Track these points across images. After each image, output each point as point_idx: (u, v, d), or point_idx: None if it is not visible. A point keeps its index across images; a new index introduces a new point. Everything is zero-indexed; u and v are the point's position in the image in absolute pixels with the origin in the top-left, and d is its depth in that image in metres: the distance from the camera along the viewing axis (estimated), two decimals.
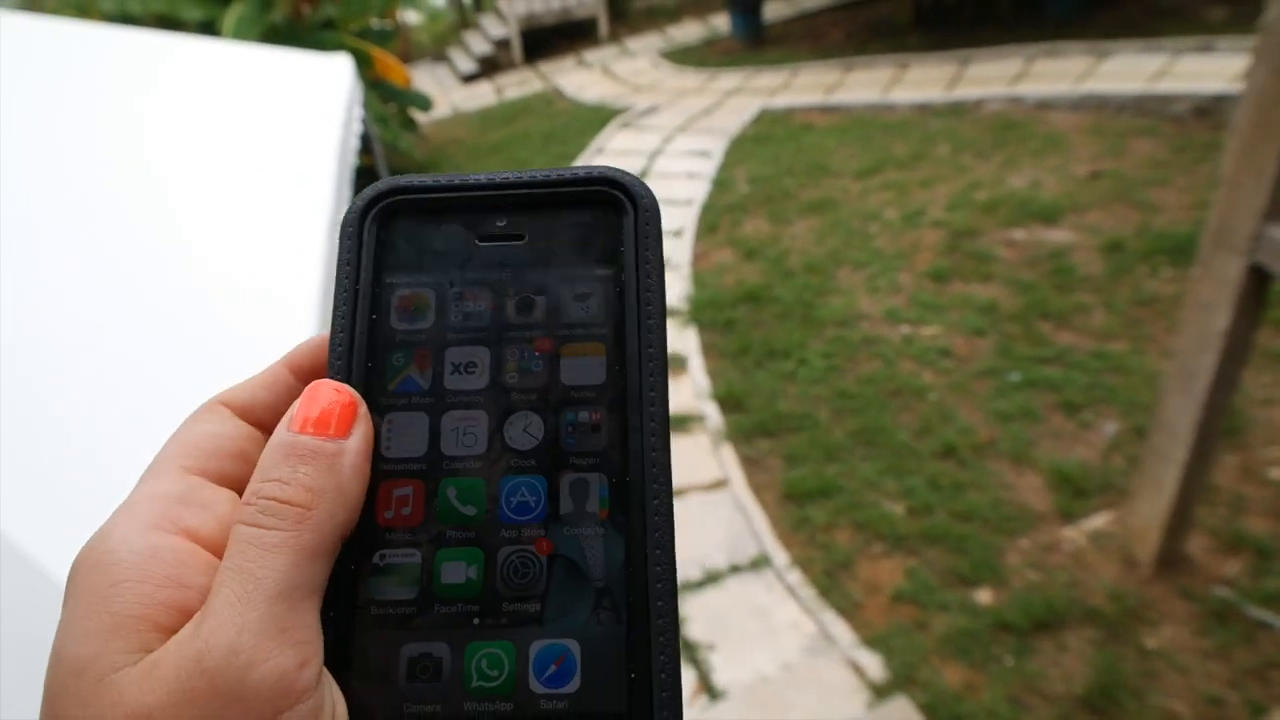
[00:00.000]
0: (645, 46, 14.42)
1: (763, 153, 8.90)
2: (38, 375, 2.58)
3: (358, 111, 5.79)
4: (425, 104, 11.28)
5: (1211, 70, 8.42)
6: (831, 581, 4.20)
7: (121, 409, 2.69)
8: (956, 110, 9.04)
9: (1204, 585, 3.95)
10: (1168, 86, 8.14)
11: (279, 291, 3.38)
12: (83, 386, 2.68)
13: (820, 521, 4.52)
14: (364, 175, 9.41)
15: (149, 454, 0.50)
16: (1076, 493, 4.50)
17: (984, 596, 4.05)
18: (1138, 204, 6.69)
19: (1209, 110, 7.73)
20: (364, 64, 9.90)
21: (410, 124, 11.50)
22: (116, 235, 3.36)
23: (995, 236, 6.63)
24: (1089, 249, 6.30)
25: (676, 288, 6.67)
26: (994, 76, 9.74)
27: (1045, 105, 8.61)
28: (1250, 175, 3.27)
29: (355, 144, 5.54)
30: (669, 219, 7.74)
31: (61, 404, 2.56)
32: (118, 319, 2.99)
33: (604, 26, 15.06)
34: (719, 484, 4.84)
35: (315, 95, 5.29)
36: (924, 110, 9.22)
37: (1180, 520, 4.00)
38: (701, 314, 6.27)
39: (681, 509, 4.72)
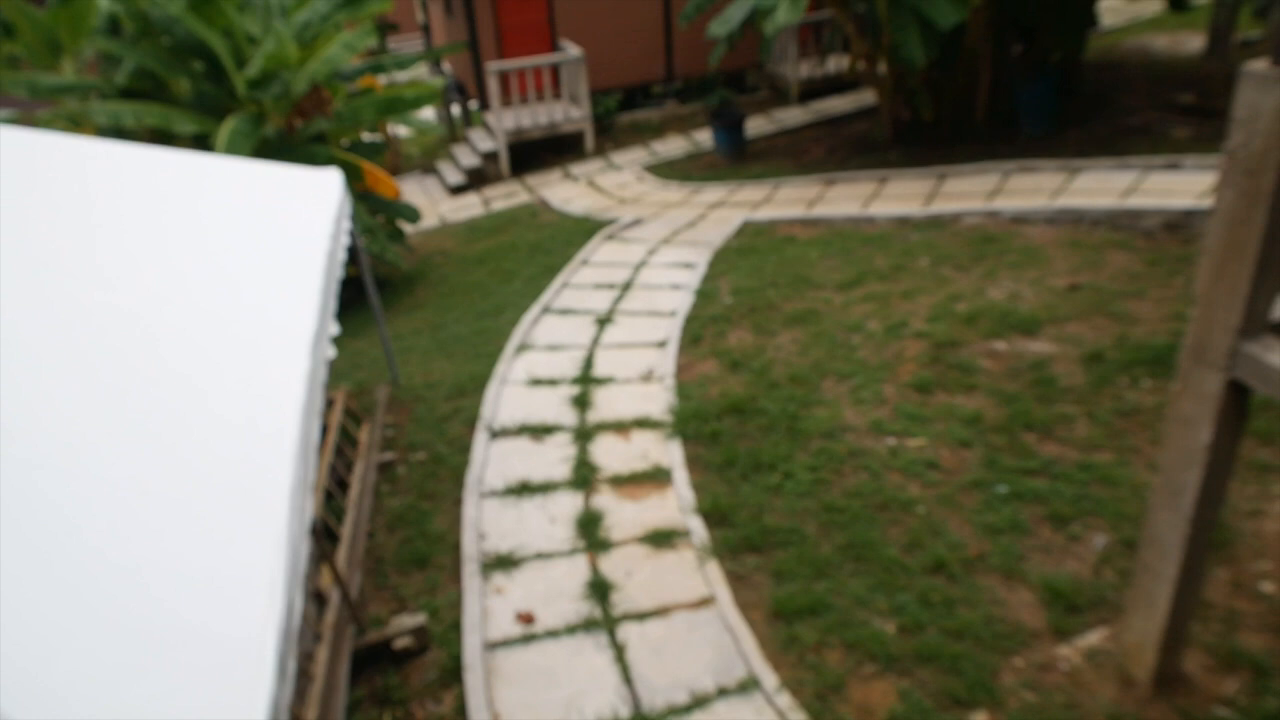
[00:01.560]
0: (630, 160, 14.80)
1: (746, 264, 9.04)
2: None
3: (346, 225, 5.87)
4: (413, 216, 11.47)
5: (1180, 187, 8.68)
6: (823, 705, 4.07)
7: (100, 522, 2.63)
8: (935, 224, 9.25)
9: (1203, 705, 3.85)
10: (1138, 202, 8.37)
11: (257, 412, 3.36)
12: (62, 500, 2.62)
13: (810, 641, 4.42)
14: (351, 286, 9.49)
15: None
16: (1069, 608, 4.43)
17: (980, 719, 3.93)
18: (1115, 315, 6.79)
19: (1179, 225, 7.93)
20: (354, 176, 10.10)
21: (398, 235, 11.66)
22: (102, 348, 3.34)
23: (977, 348, 6.69)
24: (1070, 360, 6.37)
25: (661, 399, 6.67)
26: (971, 191, 10.00)
27: (1022, 219, 8.82)
28: (1224, 293, 3.32)
29: (343, 256, 5.60)
30: (654, 331, 7.80)
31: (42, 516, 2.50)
32: (94, 433, 2.95)
33: (590, 141, 15.48)
34: (705, 602, 4.74)
35: (305, 210, 5.36)
36: (904, 224, 9.43)
37: (1175, 637, 3.93)
38: (686, 426, 6.25)
39: (666, 629, 4.61)
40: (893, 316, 7.34)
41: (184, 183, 5.07)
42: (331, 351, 4.56)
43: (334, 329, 4.79)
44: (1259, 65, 2.92)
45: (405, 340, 8.99)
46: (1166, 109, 11.37)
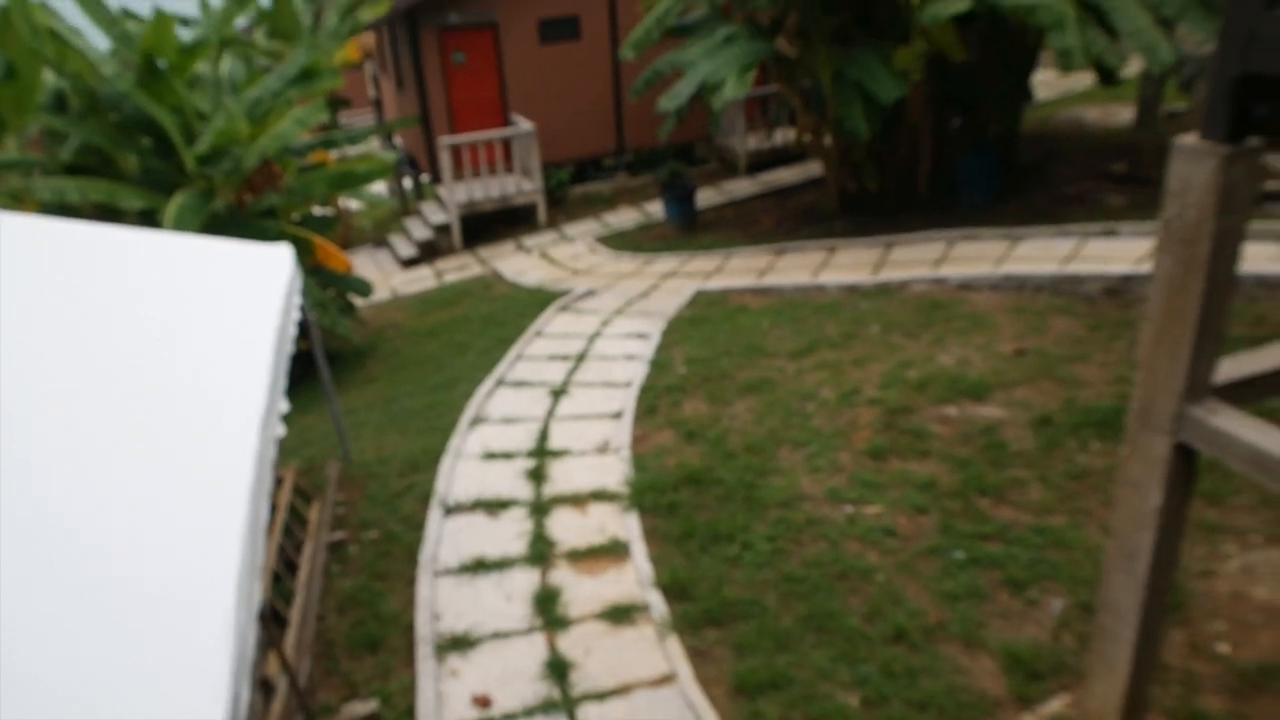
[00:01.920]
0: (583, 232, 14.93)
1: (699, 334, 9.10)
2: None
3: (297, 300, 5.81)
4: (365, 290, 11.42)
5: (1117, 253, 8.95)
6: None
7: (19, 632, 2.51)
8: (884, 291, 9.41)
9: None
10: (1078, 268, 8.60)
11: (205, 497, 3.27)
12: None
13: (774, 716, 4.34)
14: (301, 360, 9.38)
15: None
16: (1030, 675, 4.41)
17: None
18: (1061, 380, 6.92)
19: (1118, 290, 8.16)
20: (305, 251, 10.05)
21: (349, 308, 11.59)
22: (41, 431, 3.23)
23: (929, 414, 6.77)
24: (1019, 424, 6.45)
25: (617, 471, 6.63)
26: (917, 259, 10.22)
27: (967, 286, 9.01)
28: (1166, 358, 3.39)
29: (293, 332, 5.53)
30: (609, 402, 7.78)
31: None
32: (27, 532, 2.84)
33: (542, 213, 15.61)
34: (666, 679, 4.64)
35: (255, 286, 5.30)
36: (853, 291, 9.59)
37: (1136, 702, 3.92)
38: (643, 498, 6.20)
39: (627, 708, 4.50)
40: (845, 384, 7.41)
41: (129, 259, 5.00)
42: (281, 429, 4.47)
43: (284, 406, 4.70)
44: (1189, 139, 3.03)
45: (357, 415, 8.87)
46: (1101, 178, 11.78)
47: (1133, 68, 13.38)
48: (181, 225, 8.52)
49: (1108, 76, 10.53)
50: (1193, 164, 3.03)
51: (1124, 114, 15.09)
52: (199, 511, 3.25)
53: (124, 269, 4.85)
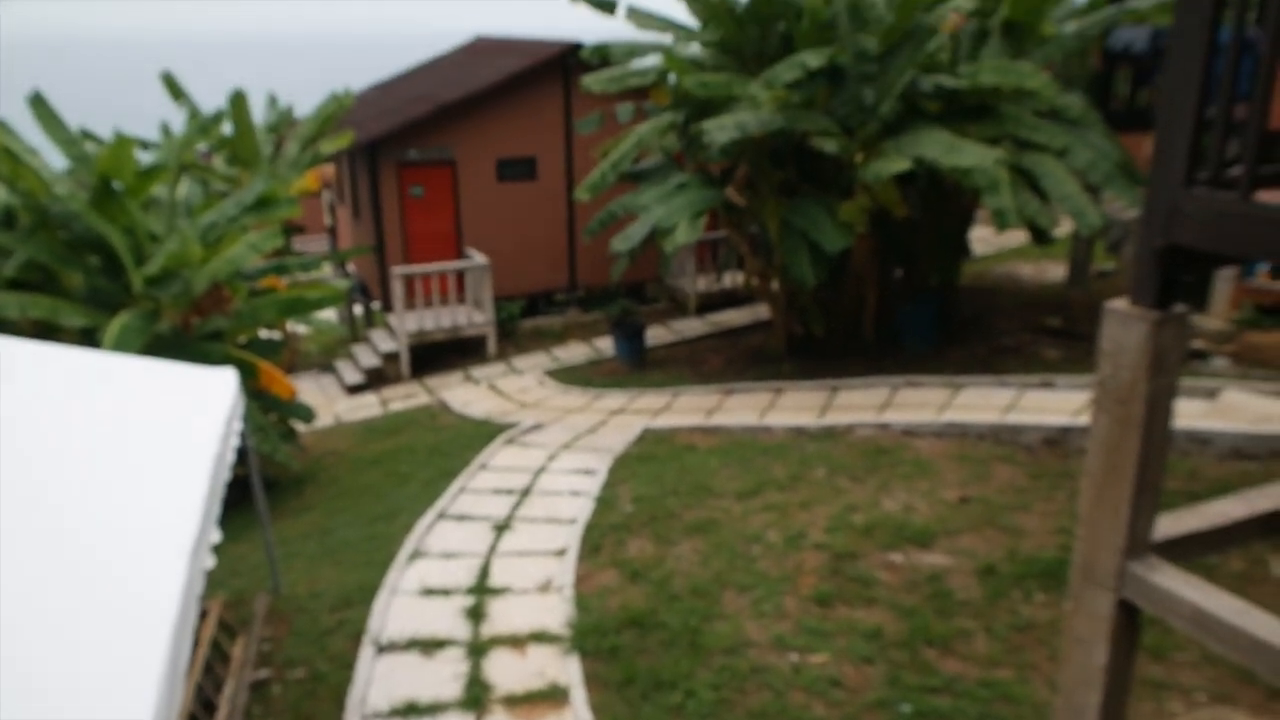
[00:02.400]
0: (533, 365, 14.98)
1: (646, 472, 9.05)
2: None
3: (237, 425, 5.68)
4: (308, 415, 11.23)
5: (1054, 405, 9.19)
6: None
7: None
8: (830, 435, 9.50)
9: None
10: (1018, 419, 8.81)
11: (123, 634, 3.11)
12: None
13: None
14: (236, 486, 9.12)
15: None
16: None
17: None
18: (1005, 528, 6.97)
19: (1057, 440, 8.34)
20: (248, 375, 9.90)
21: (290, 434, 11.37)
22: None
23: (875, 559, 6.74)
24: (964, 573, 6.45)
25: (559, 611, 6.45)
26: (862, 404, 10.39)
27: (911, 432, 9.14)
28: (1106, 515, 3.44)
29: (231, 458, 5.38)
30: (553, 539, 7.64)
31: None
32: None
33: (493, 345, 15.66)
34: None
35: (194, 411, 5.18)
36: (800, 434, 9.67)
37: None
38: (585, 641, 6.02)
39: None
40: (792, 527, 7.38)
41: (64, 378, 4.88)
42: (211, 560, 4.30)
43: (216, 536, 4.53)
44: (1120, 304, 3.16)
45: (291, 545, 8.58)
46: (1037, 331, 12.22)
47: (1064, 228, 14.09)
48: (123, 345, 8.38)
49: (1040, 236, 11.07)
50: (1124, 327, 3.15)
51: (1056, 271, 15.78)
52: (117, 649, 3.08)
53: (57, 388, 4.73)
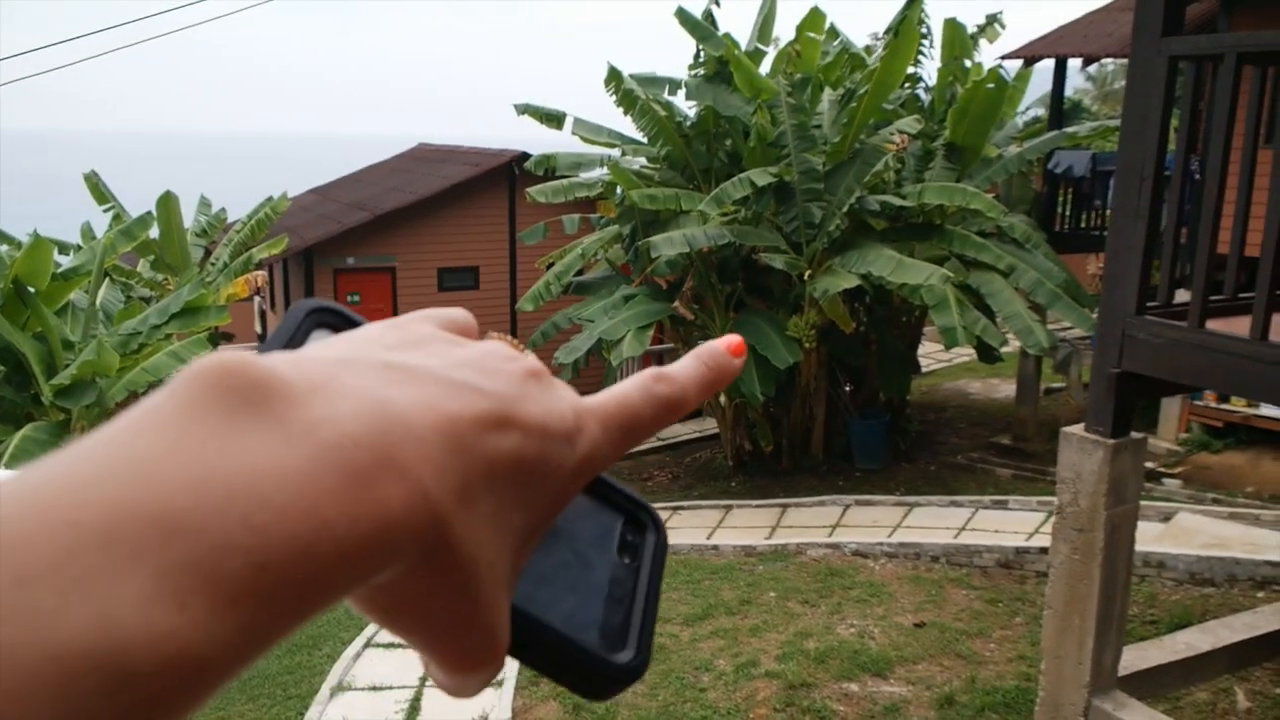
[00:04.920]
0: None
1: None
2: None
3: None
4: None
5: (1008, 525, 9.05)
6: None
7: None
8: (780, 555, 9.22)
9: None
10: (972, 540, 8.63)
11: None
12: None
13: None
14: None
15: None
16: None
17: None
18: (963, 656, 6.69)
19: (1012, 563, 8.15)
20: None
21: None
22: None
23: (830, 690, 6.40)
24: (923, 703, 6.13)
25: None
26: (813, 523, 10.15)
27: (863, 553, 8.90)
28: (1070, 648, 3.22)
29: None
30: None
31: None
32: None
33: None
34: None
35: None
36: (749, 554, 9.36)
37: None
38: None
39: None
40: (743, 654, 7.02)
41: None
42: None
43: None
44: (1077, 429, 3.01)
45: None
46: (987, 448, 12.17)
47: (1012, 346, 14.24)
48: (24, 460, 7.91)
49: (987, 354, 11.12)
50: (1081, 453, 2.99)
51: (1005, 388, 15.87)
52: None
53: None
